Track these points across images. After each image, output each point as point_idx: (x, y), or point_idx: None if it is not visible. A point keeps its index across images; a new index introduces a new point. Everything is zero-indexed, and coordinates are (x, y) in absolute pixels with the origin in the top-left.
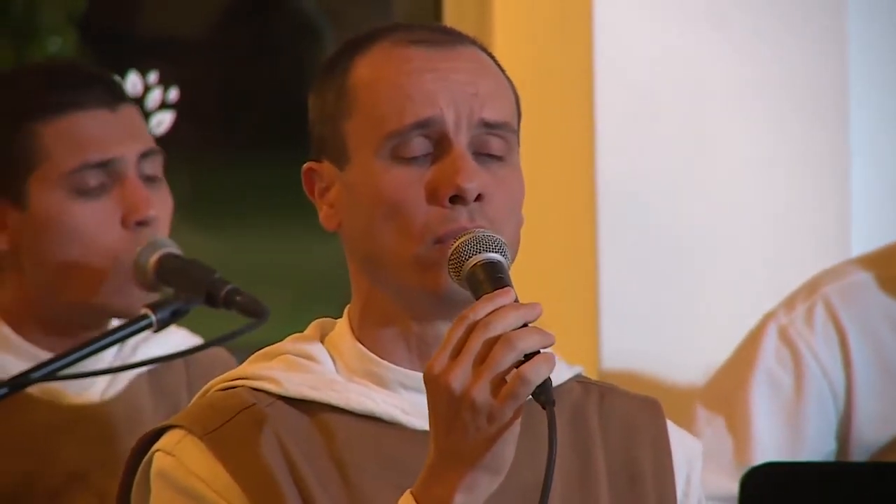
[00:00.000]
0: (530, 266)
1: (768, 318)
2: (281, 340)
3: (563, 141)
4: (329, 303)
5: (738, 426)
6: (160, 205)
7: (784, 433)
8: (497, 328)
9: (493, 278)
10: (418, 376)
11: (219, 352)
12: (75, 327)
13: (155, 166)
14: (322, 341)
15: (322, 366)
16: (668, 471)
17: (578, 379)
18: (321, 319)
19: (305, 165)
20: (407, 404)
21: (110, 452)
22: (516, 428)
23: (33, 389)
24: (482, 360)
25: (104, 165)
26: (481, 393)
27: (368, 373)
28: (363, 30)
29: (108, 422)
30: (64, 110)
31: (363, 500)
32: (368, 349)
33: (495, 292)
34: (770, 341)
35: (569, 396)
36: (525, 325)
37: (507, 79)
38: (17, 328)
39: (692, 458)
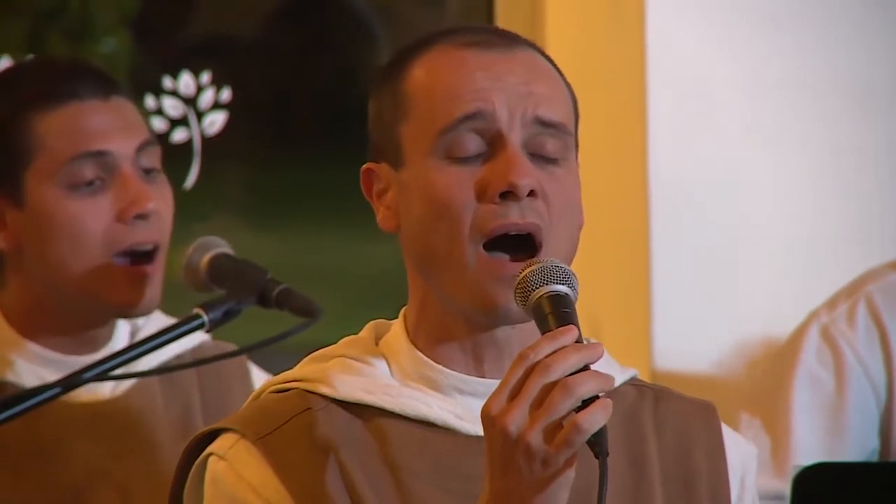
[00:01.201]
0: (582, 267)
1: (811, 317)
2: (333, 342)
3: (615, 138)
4: (382, 304)
5: (780, 425)
6: (159, 197)
7: (825, 432)
8: (557, 371)
9: (559, 313)
10: (473, 381)
11: (227, 346)
12: (80, 326)
13: (153, 158)
14: (377, 343)
15: (376, 369)
16: (723, 475)
17: (632, 382)
18: (376, 321)
19: (364, 166)
20: (461, 409)
21: (126, 446)
22: (571, 473)
23: None
24: (539, 403)
25: (99, 156)
26: (537, 438)
27: (423, 377)
28: (419, 31)
29: (122, 417)
30: (58, 100)
31: None
32: (423, 352)
33: (558, 331)
34: (812, 340)
35: (623, 400)
36: (586, 367)
37: (566, 83)
38: (23, 329)
39: (746, 461)
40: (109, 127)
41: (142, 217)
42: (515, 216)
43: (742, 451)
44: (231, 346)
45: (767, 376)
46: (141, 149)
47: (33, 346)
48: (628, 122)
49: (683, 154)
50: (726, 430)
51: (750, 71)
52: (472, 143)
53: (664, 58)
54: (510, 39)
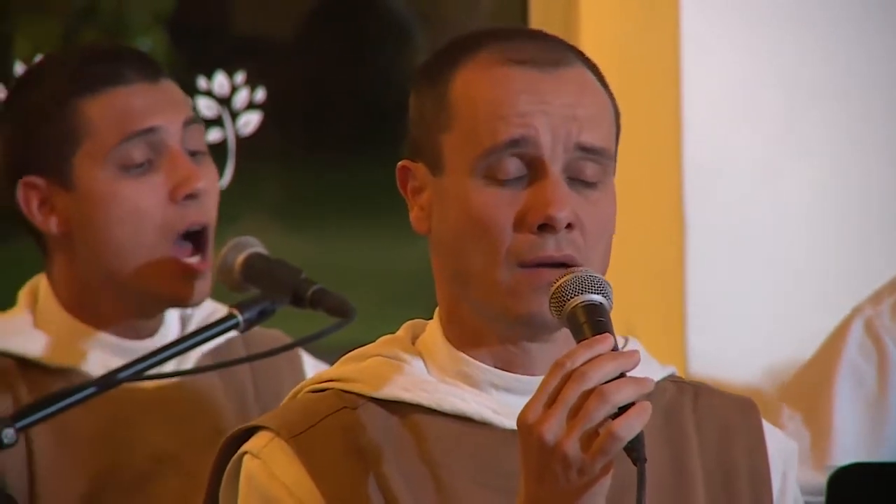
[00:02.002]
0: (616, 269)
1: (855, 312)
2: (368, 342)
3: (650, 138)
4: (416, 304)
5: (821, 418)
6: (207, 177)
7: (866, 425)
8: (593, 379)
9: (594, 322)
10: (509, 377)
11: (279, 335)
12: (130, 313)
13: (198, 139)
14: (413, 343)
15: (413, 367)
16: (764, 471)
17: (672, 379)
18: (412, 321)
19: (401, 163)
20: (497, 404)
21: (193, 432)
22: (607, 481)
23: None
24: (576, 411)
25: (147, 134)
26: (572, 446)
27: (459, 373)
28: (453, 31)
29: (185, 402)
30: (105, 85)
31: (455, 500)
32: (458, 349)
33: (594, 338)
34: (855, 334)
35: (662, 396)
36: (622, 374)
37: (610, 96)
38: (71, 311)
39: (788, 457)
40: (157, 106)
41: (192, 196)
42: (552, 249)
43: (783, 447)
44: (278, 333)
45: (809, 369)
46: (187, 125)
47: (94, 332)
48: (663, 121)
49: (718, 154)
50: (767, 426)
51: (783, 70)
52: (513, 167)
53: (699, 55)
54: (556, 53)
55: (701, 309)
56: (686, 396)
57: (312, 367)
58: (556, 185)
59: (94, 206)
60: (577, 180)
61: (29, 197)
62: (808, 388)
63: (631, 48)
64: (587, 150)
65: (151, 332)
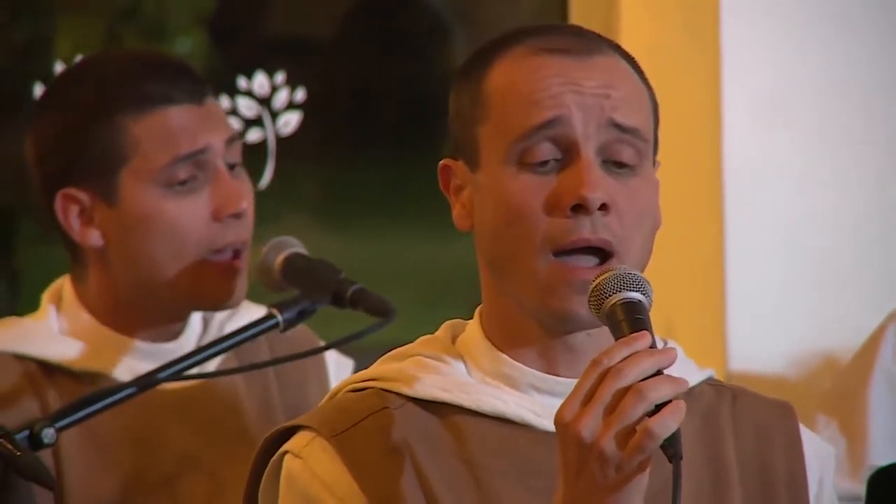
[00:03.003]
0: (656, 268)
1: (889, 318)
2: (407, 341)
3: (689, 137)
4: (457, 303)
5: (856, 425)
6: (248, 194)
7: None
8: (629, 376)
9: (632, 319)
10: (550, 379)
11: (303, 329)
12: (163, 319)
13: (236, 153)
14: (453, 343)
15: (453, 368)
16: (801, 475)
17: (710, 382)
18: (452, 321)
19: (442, 162)
20: (538, 406)
21: (215, 433)
22: (644, 478)
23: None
24: (613, 409)
25: (194, 156)
26: (609, 444)
27: (500, 374)
28: (494, 30)
29: (207, 403)
30: (153, 104)
31: (495, 502)
32: (499, 350)
33: (631, 336)
34: (890, 341)
35: (700, 399)
36: (659, 371)
37: (647, 86)
38: (98, 317)
39: (825, 462)
40: (204, 127)
41: (236, 216)
42: (587, 231)
43: (820, 452)
44: (303, 329)
45: (844, 376)
46: (229, 143)
47: (122, 338)
48: (702, 120)
49: (758, 154)
50: (804, 431)
51: (822, 71)
52: (547, 151)
53: (738, 57)
54: (591, 43)
55: (741, 308)
56: (724, 400)
57: (335, 362)
58: (588, 165)
59: (138, 222)
60: (612, 163)
61: (68, 208)
62: (843, 394)
63: (671, 48)
64: (621, 129)
65: (176, 335)
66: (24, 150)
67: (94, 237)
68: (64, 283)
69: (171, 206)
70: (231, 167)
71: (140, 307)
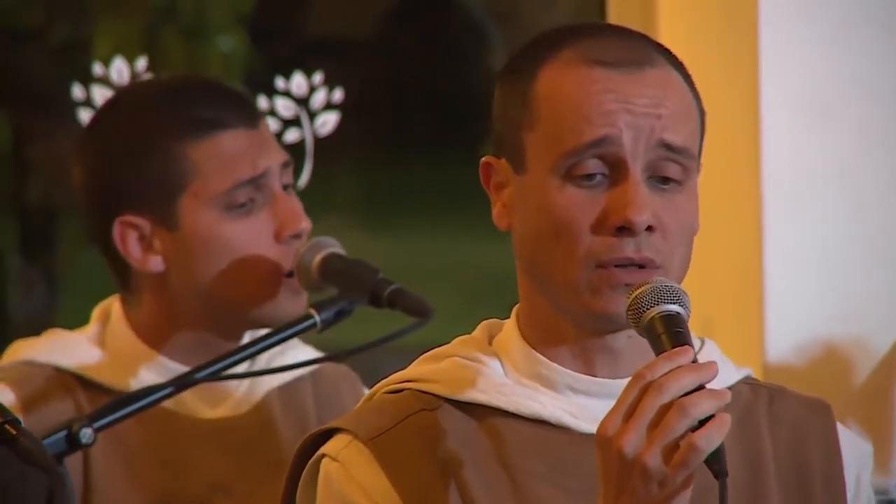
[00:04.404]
0: (695, 268)
1: None
2: (446, 342)
3: (728, 138)
4: (495, 304)
5: (882, 425)
6: (304, 215)
7: None
8: (671, 391)
9: (672, 333)
10: (587, 380)
11: (343, 368)
12: (219, 339)
13: (289, 175)
14: (490, 343)
15: (490, 368)
16: (839, 474)
17: (747, 381)
18: (489, 321)
19: (484, 158)
20: (575, 408)
21: (249, 463)
22: (687, 494)
23: (169, 403)
24: (656, 424)
25: (255, 181)
26: (653, 459)
27: (536, 375)
28: (532, 31)
29: (244, 433)
30: (209, 130)
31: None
32: (536, 350)
33: (674, 351)
34: None
35: (737, 399)
36: (701, 386)
37: (695, 94)
38: (155, 343)
39: (862, 459)
40: (260, 151)
41: (296, 237)
42: (630, 251)
43: (857, 449)
44: (348, 369)
45: (871, 377)
46: (284, 166)
47: (166, 361)
48: (741, 121)
49: (797, 154)
50: (841, 429)
51: (862, 71)
52: (594, 166)
53: (778, 57)
54: (641, 53)
55: (779, 307)
56: (761, 399)
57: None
58: (636, 187)
59: (201, 246)
60: (658, 179)
61: (126, 234)
62: (870, 396)
63: (709, 51)
64: (670, 149)
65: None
66: (73, 175)
67: (154, 263)
68: (113, 303)
69: (233, 228)
70: (284, 188)
71: (194, 331)
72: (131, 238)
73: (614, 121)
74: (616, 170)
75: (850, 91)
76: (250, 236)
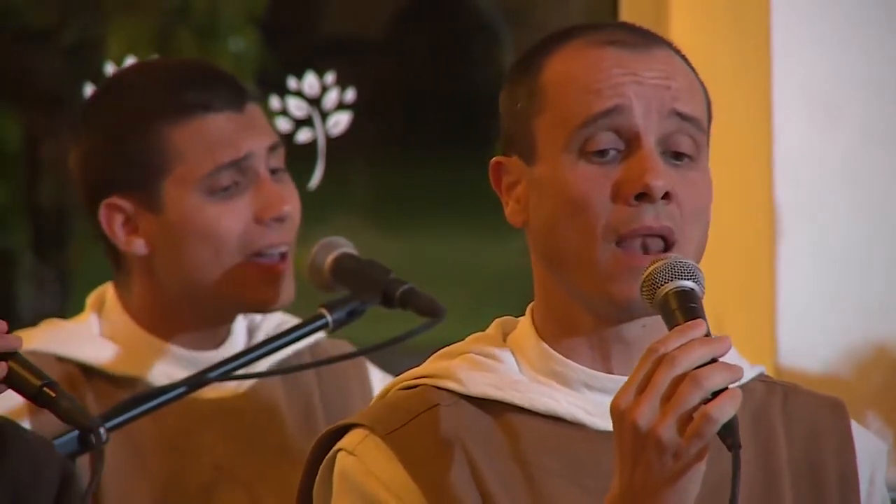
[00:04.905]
0: (707, 263)
1: None
2: (458, 340)
3: (740, 135)
4: (507, 303)
5: None
6: (291, 198)
7: None
8: (685, 364)
9: (686, 308)
10: (602, 377)
11: (343, 342)
12: (208, 324)
13: (279, 158)
14: (504, 340)
15: (504, 365)
16: (853, 472)
17: (761, 378)
18: (503, 318)
19: (493, 159)
20: (590, 405)
21: (251, 444)
22: (702, 466)
23: None
24: (669, 397)
25: (236, 164)
26: (667, 431)
27: (552, 372)
28: (544, 31)
29: (246, 414)
30: (193, 112)
31: (548, 500)
32: (551, 348)
33: (686, 324)
34: None
35: (752, 396)
36: (714, 359)
37: (701, 83)
38: (150, 328)
39: (876, 459)
40: (245, 134)
41: (278, 220)
42: (650, 219)
43: (872, 449)
44: (347, 344)
45: (890, 372)
46: (271, 150)
47: (162, 344)
48: (754, 119)
49: (809, 151)
50: (855, 427)
51: (873, 69)
52: (608, 140)
53: (789, 57)
54: (648, 38)
55: (791, 306)
56: (775, 397)
57: (380, 379)
58: (651, 155)
59: (183, 229)
60: (671, 153)
61: (112, 217)
62: (888, 390)
63: (721, 50)
64: (682, 118)
65: (219, 343)
66: (69, 159)
67: (138, 245)
68: (107, 290)
69: (213, 211)
70: (273, 171)
71: (184, 313)
72: (116, 221)
73: (624, 91)
74: (629, 143)
75: (860, 90)
76: (228, 217)
